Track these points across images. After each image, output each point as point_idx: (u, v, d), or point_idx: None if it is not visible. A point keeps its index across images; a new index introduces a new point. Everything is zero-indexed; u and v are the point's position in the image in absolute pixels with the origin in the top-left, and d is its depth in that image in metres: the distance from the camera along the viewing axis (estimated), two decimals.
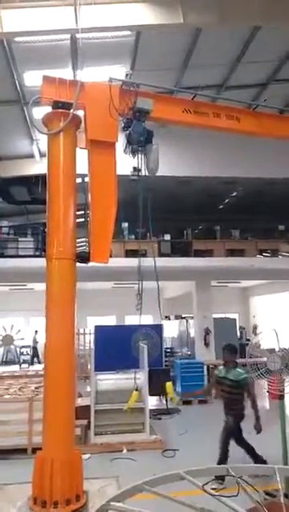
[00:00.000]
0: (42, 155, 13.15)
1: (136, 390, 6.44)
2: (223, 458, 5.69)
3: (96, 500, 2.17)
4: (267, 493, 3.92)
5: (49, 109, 5.24)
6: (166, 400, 9.78)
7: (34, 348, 20.03)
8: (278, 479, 2.58)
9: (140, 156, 5.37)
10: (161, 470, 2.55)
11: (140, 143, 5.22)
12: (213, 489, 5.59)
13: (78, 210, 5.37)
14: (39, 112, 5.55)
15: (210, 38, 9.46)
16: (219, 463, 5.48)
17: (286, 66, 10.83)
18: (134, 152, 5.34)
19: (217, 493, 2.40)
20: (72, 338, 4.98)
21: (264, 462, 5.32)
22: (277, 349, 5.03)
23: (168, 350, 15.73)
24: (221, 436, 5.82)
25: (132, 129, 5.15)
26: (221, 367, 6.25)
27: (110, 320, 21.36)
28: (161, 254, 13.96)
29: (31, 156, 13.43)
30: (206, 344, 14.76)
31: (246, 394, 5.86)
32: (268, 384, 5.26)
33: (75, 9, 7.24)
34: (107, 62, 9.95)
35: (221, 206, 18.79)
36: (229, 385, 5.90)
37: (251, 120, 6.12)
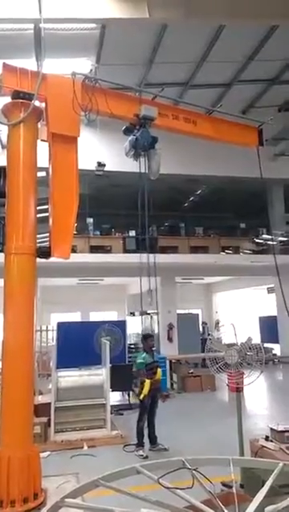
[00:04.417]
0: (3, 146, 12.76)
1: (148, 379, 6.59)
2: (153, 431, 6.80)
3: (55, 497, 2.14)
4: (224, 485, 4.01)
5: (9, 99, 5.09)
6: (128, 396, 9.80)
7: None
8: (232, 470, 2.65)
9: (143, 159, 5.64)
10: (121, 465, 2.54)
11: (145, 148, 5.48)
12: (140, 455, 6.24)
13: (42, 204, 5.27)
14: None
15: (176, 36, 9.50)
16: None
17: (249, 67, 11.05)
18: (137, 156, 5.60)
19: (172, 486, 2.43)
20: (31, 335, 4.88)
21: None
22: (235, 343, 5.16)
23: (132, 346, 15.76)
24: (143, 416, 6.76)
25: (140, 135, 5.41)
26: (144, 354, 6.82)
27: (75, 317, 21.14)
28: (126, 251, 13.94)
29: None
30: (170, 339, 14.94)
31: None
32: (227, 378, 5.39)
33: None
34: (73, 54, 9.78)
35: (185, 204, 19.02)
36: (158, 366, 6.80)
37: (207, 125, 6.28)
